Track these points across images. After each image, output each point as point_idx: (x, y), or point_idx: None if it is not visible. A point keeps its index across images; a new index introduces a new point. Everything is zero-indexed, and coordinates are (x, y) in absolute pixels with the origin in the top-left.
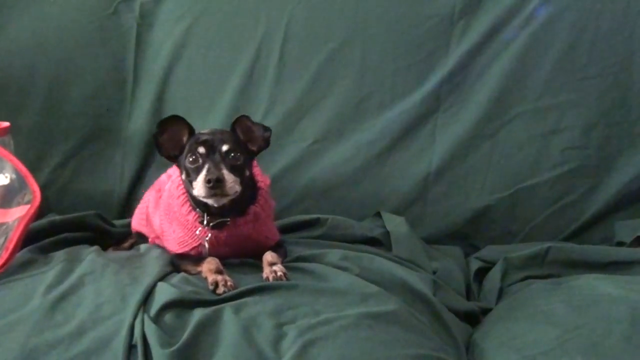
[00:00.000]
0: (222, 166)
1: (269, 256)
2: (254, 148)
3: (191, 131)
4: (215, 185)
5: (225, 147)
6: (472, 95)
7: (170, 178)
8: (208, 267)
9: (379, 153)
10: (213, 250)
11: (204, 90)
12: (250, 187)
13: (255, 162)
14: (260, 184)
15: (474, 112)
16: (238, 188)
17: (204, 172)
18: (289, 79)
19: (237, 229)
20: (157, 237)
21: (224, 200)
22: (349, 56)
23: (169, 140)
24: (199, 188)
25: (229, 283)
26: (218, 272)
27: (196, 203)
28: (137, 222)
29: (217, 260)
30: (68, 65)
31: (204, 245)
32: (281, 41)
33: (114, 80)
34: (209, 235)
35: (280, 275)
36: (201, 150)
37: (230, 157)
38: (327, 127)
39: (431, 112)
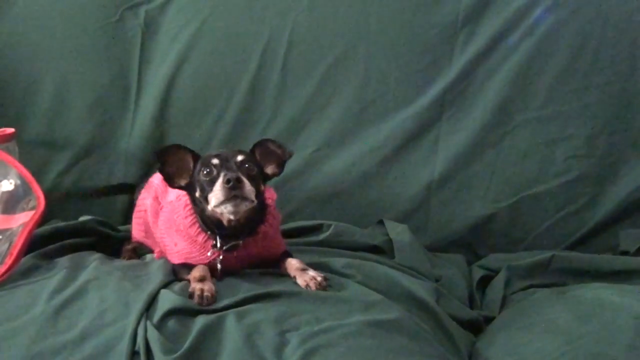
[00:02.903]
0: (239, 172)
1: (294, 263)
2: (268, 172)
3: (195, 156)
4: (234, 185)
5: (240, 158)
6: (475, 103)
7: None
8: (194, 275)
9: (382, 161)
10: (223, 269)
11: (208, 97)
12: (259, 209)
13: None
14: (268, 201)
15: (478, 120)
16: (254, 198)
17: (220, 178)
18: (293, 86)
19: (247, 249)
20: (161, 252)
21: (243, 208)
22: (352, 64)
23: (174, 171)
24: (216, 194)
25: (205, 294)
26: (201, 280)
27: (207, 226)
28: (137, 232)
29: (205, 268)
30: (72, 72)
31: (217, 268)
32: (284, 49)
33: (118, 87)
34: (221, 257)
35: (320, 280)
36: (215, 161)
37: (245, 166)
38: (330, 135)
39: (434, 120)
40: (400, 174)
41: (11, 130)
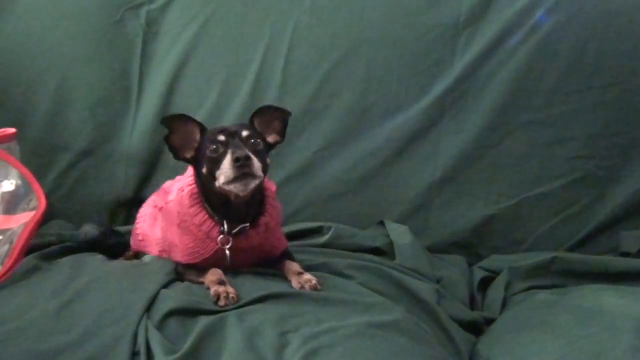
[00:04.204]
0: (246, 149)
1: (293, 266)
2: (270, 140)
3: (202, 129)
4: (243, 163)
5: (245, 133)
6: (476, 104)
7: (168, 194)
8: (211, 278)
9: (383, 162)
10: (232, 260)
11: (209, 98)
12: (260, 191)
13: None
14: (267, 192)
15: (479, 121)
16: (262, 174)
17: (229, 155)
18: (294, 87)
19: (248, 240)
20: (164, 251)
21: (251, 185)
22: (354, 65)
23: (181, 143)
24: (225, 171)
25: (230, 295)
26: (220, 283)
27: (213, 207)
28: (134, 242)
29: (220, 271)
30: (74, 73)
31: (226, 254)
32: (286, 50)
33: (119, 87)
34: (230, 243)
35: (315, 284)
36: (221, 137)
37: (251, 141)
38: (331, 136)
39: (435, 121)
40: (401, 175)
41: (12, 130)
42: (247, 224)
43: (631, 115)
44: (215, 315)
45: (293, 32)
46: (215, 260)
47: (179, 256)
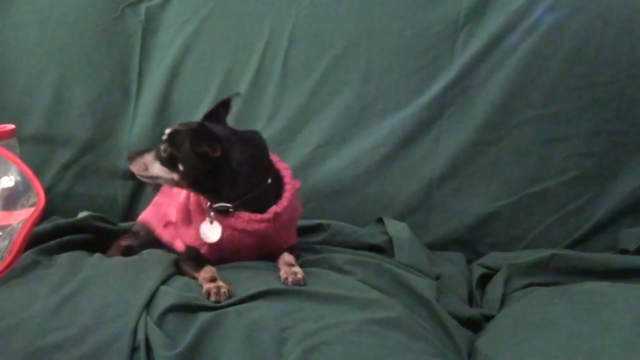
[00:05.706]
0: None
1: (286, 257)
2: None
3: None
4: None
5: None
6: (476, 101)
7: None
8: (204, 276)
9: (383, 159)
10: (228, 248)
11: (209, 95)
12: (274, 181)
13: (285, 164)
14: (287, 187)
15: (478, 119)
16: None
17: None
18: (293, 84)
19: (250, 225)
20: (168, 224)
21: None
22: (353, 62)
23: None
24: None
25: (222, 290)
26: (212, 280)
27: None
28: (151, 215)
29: (213, 269)
30: (72, 69)
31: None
32: (286, 46)
33: (118, 84)
34: (212, 220)
35: (300, 278)
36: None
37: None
38: (330, 133)
39: (435, 119)
40: (400, 173)
41: (11, 126)
42: (230, 204)
43: (631, 113)
44: (215, 312)
45: (292, 29)
46: (222, 243)
47: (188, 237)
